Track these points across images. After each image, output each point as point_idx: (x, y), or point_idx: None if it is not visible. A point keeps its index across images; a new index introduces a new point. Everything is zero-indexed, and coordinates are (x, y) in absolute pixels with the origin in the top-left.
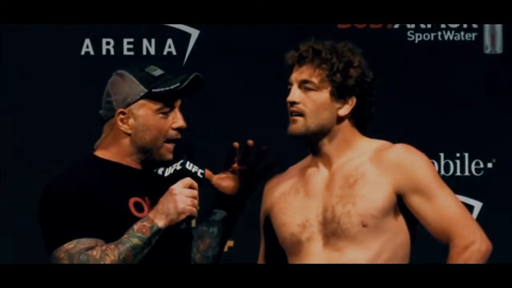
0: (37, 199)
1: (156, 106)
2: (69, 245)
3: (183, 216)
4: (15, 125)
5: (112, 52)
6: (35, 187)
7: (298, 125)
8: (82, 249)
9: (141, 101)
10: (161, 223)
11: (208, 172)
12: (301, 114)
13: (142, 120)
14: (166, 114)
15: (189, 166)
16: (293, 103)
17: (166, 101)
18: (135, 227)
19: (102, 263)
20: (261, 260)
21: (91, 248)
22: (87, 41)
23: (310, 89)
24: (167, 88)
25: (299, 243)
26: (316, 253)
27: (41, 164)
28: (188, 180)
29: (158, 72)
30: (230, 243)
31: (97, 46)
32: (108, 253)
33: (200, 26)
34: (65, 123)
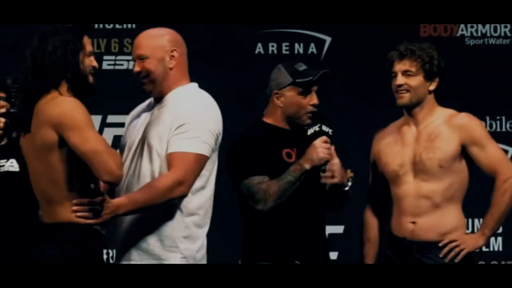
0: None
1: (298, 90)
2: (247, 181)
3: (322, 161)
4: None
5: (275, 52)
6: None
7: (405, 99)
8: (255, 183)
9: (289, 87)
10: (307, 165)
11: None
12: (406, 91)
13: (289, 99)
14: (305, 95)
15: (324, 128)
16: (400, 85)
17: (305, 87)
18: (291, 168)
19: (269, 192)
20: (371, 189)
21: (260, 182)
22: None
23: (410, 75)
24: (305, 80)
25: (398, 176)
26: (409, 182)
27: None
28: (324, 137)
29: (302, 67)
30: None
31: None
32: (272, 186)
33: (331, 33)
34: None
